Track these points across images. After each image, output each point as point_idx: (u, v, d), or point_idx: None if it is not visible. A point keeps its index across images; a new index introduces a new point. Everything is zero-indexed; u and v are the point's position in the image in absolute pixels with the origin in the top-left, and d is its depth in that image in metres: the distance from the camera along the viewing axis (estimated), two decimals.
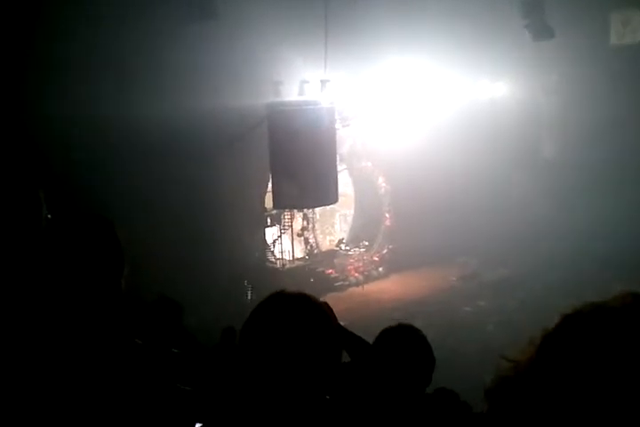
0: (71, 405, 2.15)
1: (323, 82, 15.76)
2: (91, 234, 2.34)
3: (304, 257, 19.05)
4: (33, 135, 12.17)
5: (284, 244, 18.48)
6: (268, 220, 18.09)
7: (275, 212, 17.91)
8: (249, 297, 15.87)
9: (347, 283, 18.91)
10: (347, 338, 4.01)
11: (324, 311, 2.29)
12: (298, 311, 2.20)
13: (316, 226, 19.51)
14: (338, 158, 16.71)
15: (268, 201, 17.23)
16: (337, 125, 16.20)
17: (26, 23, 12.23)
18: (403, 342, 3.47)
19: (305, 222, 19.09)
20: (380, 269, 19.76)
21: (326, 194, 15.67)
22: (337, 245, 20.16)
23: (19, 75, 12.21)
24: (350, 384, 3.47)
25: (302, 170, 15.00)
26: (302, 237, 19.04)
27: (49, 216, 2.78)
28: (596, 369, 1.23)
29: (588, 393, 1.22)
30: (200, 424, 2.31)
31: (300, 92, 16.39)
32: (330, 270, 18.84)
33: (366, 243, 20.27)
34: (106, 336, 2.27)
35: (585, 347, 1.25)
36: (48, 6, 12.40)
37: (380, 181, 20.38)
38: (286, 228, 18.48)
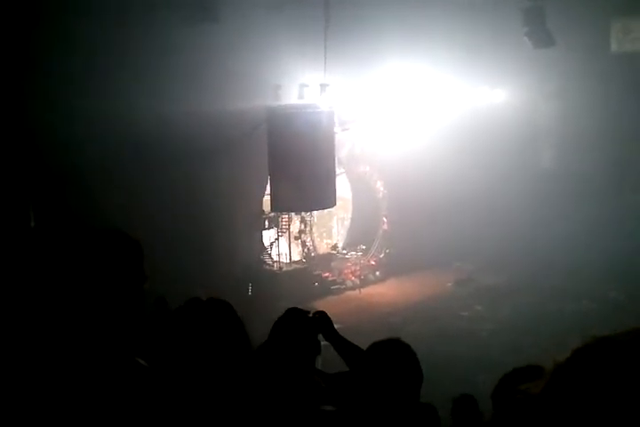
0: (70, 411, 2.18)
1: (322, 86, 15.78)
2: (119, 253, 2.41)
3: (301, 260, 19.06)
4: (33, 138, 12.14)
5: (281, 246, 18.50)
6: (266, 222, 18.10)
7: (272, 214, 17.92)
8: (249, 292, 16.02)
9: (343, 286, 18.93)
10: (341, 345, 4.03)
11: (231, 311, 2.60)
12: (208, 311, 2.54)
13: (314, 229, 19.54)
14: (336, 162, 16.73)
15: (266, 204, 17.26)
16: (336, 129, 16.22)
17: (26, 26, 12.20)
18: (390, 358, 3.49)
19: (302, 225, 19.11)
20: (377, 273, 19.79)
21: (324, 197, 15.69)
22: (333, 250, 20.19)
23: (18, 79, 12.18)
24: (349, 392, 3.50)
25: (301, 173, 15.02)
26: (299, 241, 19.06)
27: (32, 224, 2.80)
28: (605, 404, 1.24)
29: None
30: None
31: (300, 96, 16.41)
32: (327, 274, 18.87)
33: (363, 247, 20.29)
34: (114, 348, 2.32)
35: (594, 383, 1.27)
36: (49, 9, 12.40)
37: (379, 185, 20.41)
38: (284, 231, 18.49)
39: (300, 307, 3.99)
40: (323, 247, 20.12)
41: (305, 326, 3.80)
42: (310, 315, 3.94)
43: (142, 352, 2.47)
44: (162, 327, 4.21)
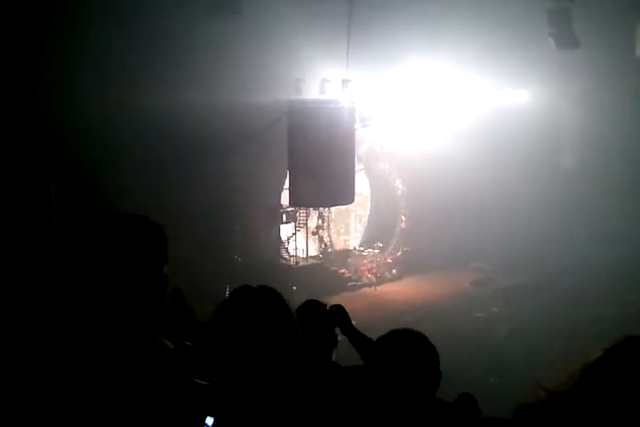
0: (90, 395, 2.20)
1: (344, 81, 15.74)
2: (140, 236, 2.44)
3: (318, 256, 19.07)
4: (47, 131, 12.10)
5: (298, 241, 18.51)
6: (284, 217, 18.11)
7: (290, 209, 17.93)
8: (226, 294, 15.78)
9: (359, 283, 18.91)
10: (357, 339, 4.03)
11: (283, 302, 2.54)
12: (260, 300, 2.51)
13: (331, 225, 19.54)
14: (356, 158, 16.71)
15: (285, 198, 17.26)
16: (356, 125, 16.19)
17: (41, 21, 12.17)
18: (401, 346, 3.47)
19: (320, 221, 19.11)
20: (394, 271, 19.74)
21: (343, 193, 15.67)
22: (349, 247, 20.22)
23: (33, 72, 12.16)
24: (365, 386, 3.48)
25: (320, 168, 15.00)
26: (317, 236, 19.07)
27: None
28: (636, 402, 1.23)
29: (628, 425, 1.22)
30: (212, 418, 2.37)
31: (321, 91, 16.40)
32: (343, 270, 18.85)
33: (380, 244, 20.27)
34: (138, 329, 2.34)
35: (627, 380, 1.26)
36: (65, 2, 12.38)
37: (398, 182, 20.37)
38: (301, 226, 18.50)
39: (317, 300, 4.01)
40: (340, 244, 20.12)
41: (322, 319, 3.81)
42: (328, 308, 3.95)
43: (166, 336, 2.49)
44: (188, 315, 4.22)
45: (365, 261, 19.65)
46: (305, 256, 18.56)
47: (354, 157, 16.05)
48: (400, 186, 20.37)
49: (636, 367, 1.27)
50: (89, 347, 2.26)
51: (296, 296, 13.37)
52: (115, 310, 2.33)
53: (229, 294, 2.55)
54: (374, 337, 3.93)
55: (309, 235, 18.74)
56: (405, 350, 3.44)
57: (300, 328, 2.49)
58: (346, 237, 20.59)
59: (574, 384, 1.32)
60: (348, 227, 20.83)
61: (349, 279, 18.79)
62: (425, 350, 3.48)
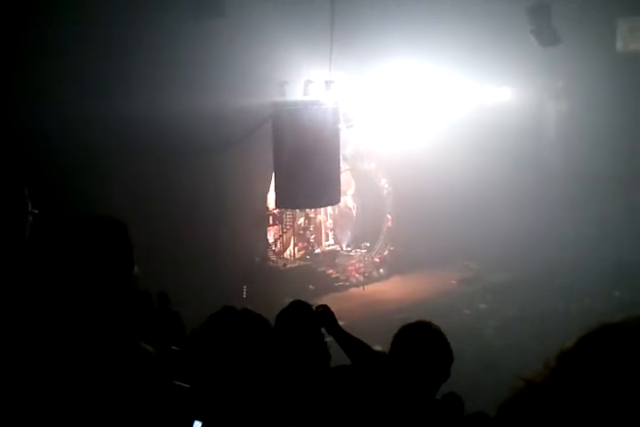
0: (73, 403, 2.18)
1: (327, 82, 15.76)
2: (103, 235, 2.39)
3: (305, 257, 19.06)
4: (23, 136, 11.89)
5: (285, 243, 18.49)
6: (270, 219, 18.10)
7: (277, 211, 17.92)
8: (244, 295, 15.76)
9: (347, 284, 18.92)
10: (344, 339, 4.04)
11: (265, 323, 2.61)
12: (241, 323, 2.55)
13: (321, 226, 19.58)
14: (341, 159, 16.71)
15: (271, 200, 17.25)
16: (341, 126, 16.19)
17: (19, 18, 12.03)
18: (424, 338, 3.52)
19: (307, 222, 19.11)
20: (381, 270, 19.77)
21: (328, 194, 15.67)
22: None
23: (7, 71, 12.00)
24: (353, 385, 3.50)
25: (305, 170, 14.99)
26: (304, 237, 19.06)
27: (35, 211, 2.77)
28: (613, 391, 1.24)
29: (603, 415, 1.23)
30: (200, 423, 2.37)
31: (305, 93, 16.39)
32: (330, 271, 18.86)
33: (367, 244, 20.28)
34: (115, 334, 2.32)
35: (601, 369, 1.26)
36: (44, 5, 12.26)
37: (383, 182, 20.40)
38: (288, 227, 18.49)
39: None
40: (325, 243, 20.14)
41: (308, 319, 3.82)
42: (313, 309, 3.97)
43: (148, 342, 2.47)
44: (176, 328, 4.21)
45: (353, 261, 19.67)
46: (292, 258, 18.55)
47: (339, 158, 16.05)
48: (386, 185, 20.41)
49: (609, 354, 1.28)
50: (65, 353, 2.24)
51: (284, 298, 13.36)
52: (86, 315, 2.31)
53: (210, 318, 2.56)
54: (363, 337, 3.96)
55: (296, 236, 18.74)
56: (423, 340, 3.48)
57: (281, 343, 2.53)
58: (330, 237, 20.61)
59: (550, 373, 1.32)
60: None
61: (337, 280, 18.79)
62: (440, 339, 3.52)
